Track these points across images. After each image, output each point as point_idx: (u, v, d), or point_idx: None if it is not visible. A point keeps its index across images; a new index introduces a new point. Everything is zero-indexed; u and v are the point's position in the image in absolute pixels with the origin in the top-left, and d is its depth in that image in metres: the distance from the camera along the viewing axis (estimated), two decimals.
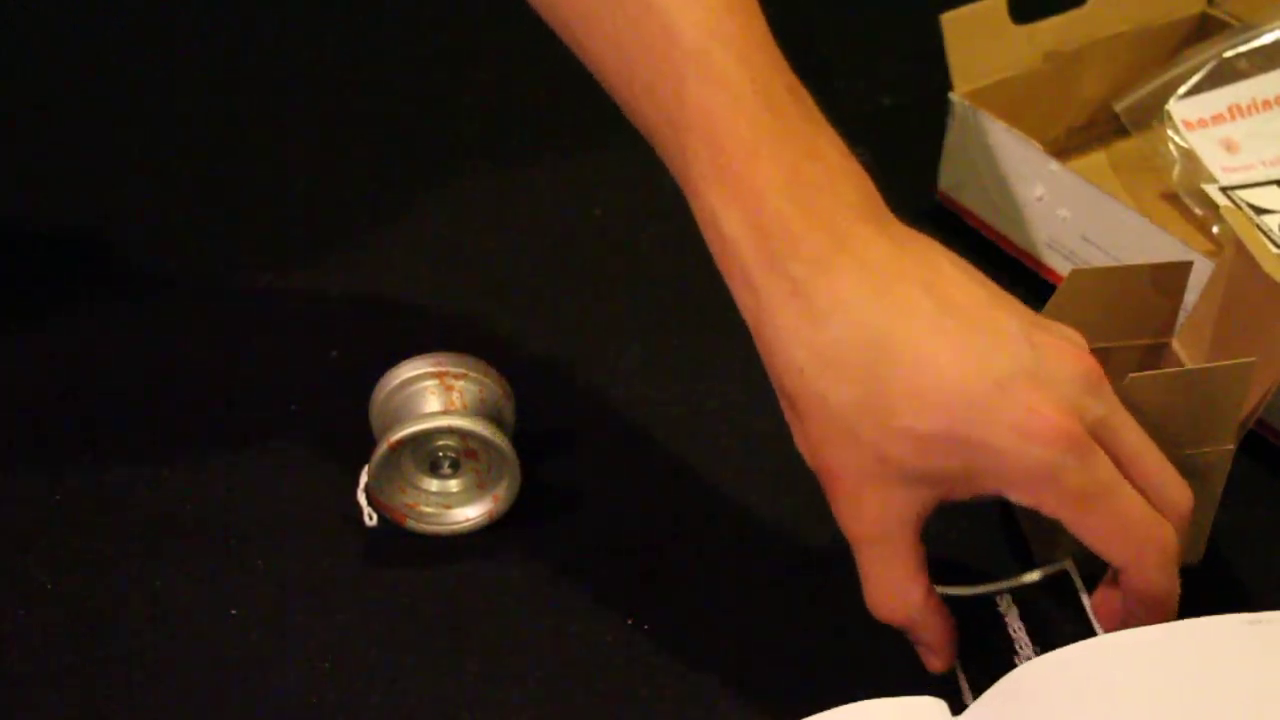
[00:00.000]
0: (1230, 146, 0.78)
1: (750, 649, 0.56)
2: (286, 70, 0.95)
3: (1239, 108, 0.79)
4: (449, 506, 0.60)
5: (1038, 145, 0.71)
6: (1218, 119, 0.79)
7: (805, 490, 0.63)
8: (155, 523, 0.61)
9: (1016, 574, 0.57)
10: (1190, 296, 0.59)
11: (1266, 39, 0.80)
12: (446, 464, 0.60)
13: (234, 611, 0.57)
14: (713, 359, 0.70)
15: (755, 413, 0.67)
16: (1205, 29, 0.83)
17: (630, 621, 0.57)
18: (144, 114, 0.90)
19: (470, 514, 0.60)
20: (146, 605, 0.58)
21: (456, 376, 0.60)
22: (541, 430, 0.65)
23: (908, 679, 0.54)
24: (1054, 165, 0.71)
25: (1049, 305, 0.59)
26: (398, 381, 0.60)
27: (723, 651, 0.56)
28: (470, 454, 0.59)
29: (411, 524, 0.60)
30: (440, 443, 0.59)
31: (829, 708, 0.52)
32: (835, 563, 0.59)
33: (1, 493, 0.62)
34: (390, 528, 0.60)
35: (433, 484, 0.60)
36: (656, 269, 0.76)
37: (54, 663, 0.55)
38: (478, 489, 0.60)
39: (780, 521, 0.61)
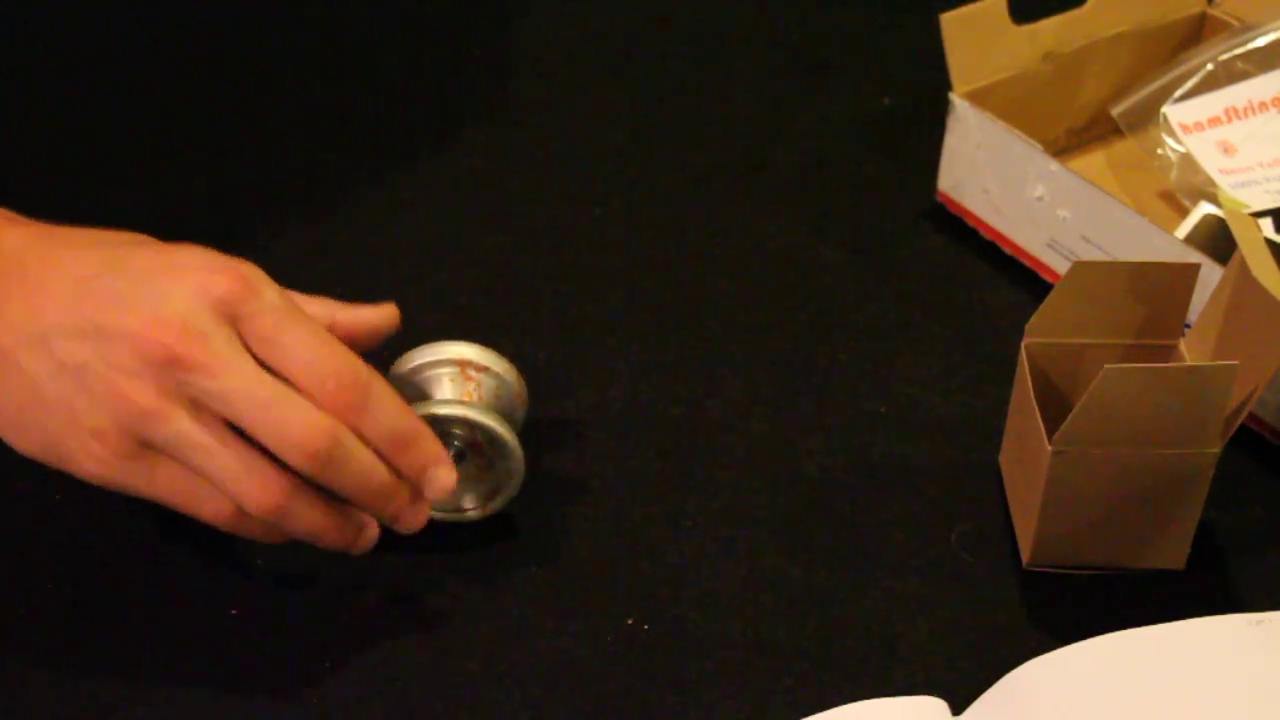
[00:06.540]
0: (1227, 149, 0.78)
1: (750, 649, 0.56)
2: (285, 70, 0.95)
3: (1235, 110, 0.79)
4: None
5: (1038, 145, 0.71)
6: (1214, 122, 0.79)
7: (805, 489, 0.63)
8: (155, 522, 0.61)
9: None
10: (1200, 299, 0.59)
11: (1262, 41, 0.80)
12: (452, 452, 0.59)
13: (234, 612, 0.57)
14: (713, 359, 0.70)
15: (755, 413, 0.67)
16: (1205, 29, 0.84)
17: (630, 621, 0.57)
18: (142, 115, 0.90)
19: (467, 504, 0.60)
20: (146, 605, 0.58)
21: (479, 369, 0.60)
22: (541, 430, 0.65)
23: (908, 679, 0.54)
24: (1054, 165, 0.71)
25: (1050, 298, 0.59)
26: (419, 363, 0.60)
27: (723, 651, 0.56)
28: (476, 447, 0.59)
29: None
30: (453, 430, 0.59)
31: (829, 708, 0.52)
32: (836, 562, 0.59)
33: (1, 493, 0.62)
34: (390, 527, 0.60)
35: None
36: (656, 269, 0.76)
37: (54, 663, 0.55)
38: (475, 483, 0.60)
39: (780, 521, 0.61)
